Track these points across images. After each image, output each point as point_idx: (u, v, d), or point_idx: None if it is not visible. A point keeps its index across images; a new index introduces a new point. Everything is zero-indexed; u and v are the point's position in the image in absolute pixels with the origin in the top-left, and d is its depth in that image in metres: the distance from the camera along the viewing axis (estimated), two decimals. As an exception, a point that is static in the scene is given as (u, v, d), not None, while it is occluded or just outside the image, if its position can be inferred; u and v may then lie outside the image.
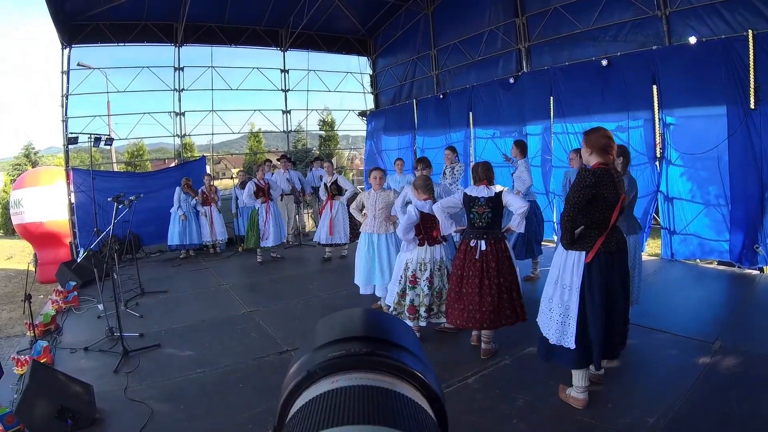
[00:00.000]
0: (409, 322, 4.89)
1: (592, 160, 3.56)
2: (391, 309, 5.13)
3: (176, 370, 4.90)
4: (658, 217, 8.18)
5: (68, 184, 11.16)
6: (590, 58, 8.93)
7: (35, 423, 3.59)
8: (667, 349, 4.71)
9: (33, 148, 29.78)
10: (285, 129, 14.84)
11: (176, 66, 12.82)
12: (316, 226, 10.30)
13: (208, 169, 12.98)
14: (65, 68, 11.24)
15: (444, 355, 4.91)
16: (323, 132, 21.98)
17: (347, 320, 0.58)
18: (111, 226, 5.90)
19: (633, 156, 7.81)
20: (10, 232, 22.06)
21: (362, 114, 15.99)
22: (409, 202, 5.26)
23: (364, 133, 16.28)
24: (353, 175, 19.69)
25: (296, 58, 14.84)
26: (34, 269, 11.81)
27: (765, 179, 6.70)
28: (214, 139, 14.42)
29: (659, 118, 7.83)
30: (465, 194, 4.68)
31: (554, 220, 9.39)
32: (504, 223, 4.80)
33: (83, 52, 11.73)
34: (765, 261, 6.85)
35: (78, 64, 11.57)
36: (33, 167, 24.70)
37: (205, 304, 7.22)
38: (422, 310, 5.00)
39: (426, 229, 5.02)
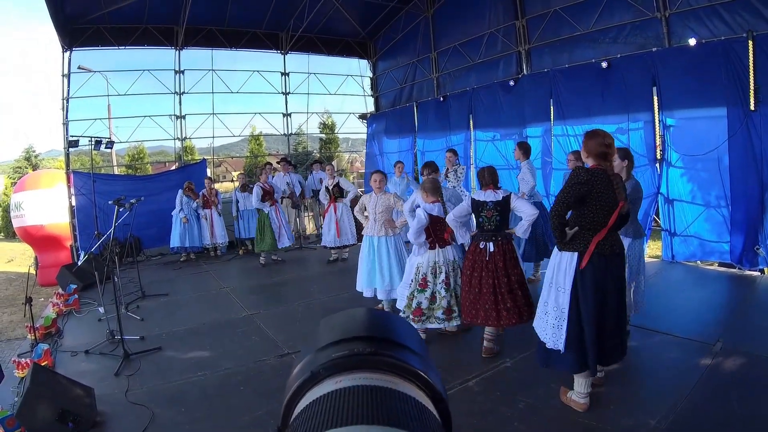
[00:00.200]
0: (414, 325, 4.86)
1: (589, 162, 3.55)
2: (401, 312, 5.13)
3: (177, 373, 4.90)
4: (659, 218, 8.18)
5: (69, 187, 11.18)
6: (590, 60, 8.95)
7: (36, 426, 3.59)
8: (668, 351, 4.71)
9: (34, 151, 29.87)
10: (285, 132, 14.85)
11: (177, 69, 12.83)
12: (317, 230, 10.30)
13: (208, 172, 12.99)
14: (66, 71, 11.27)
15: (445, 357, 4.91)
16: (324, 135, 22.00)
17: (350, 320, 0.58)
18: (112, 229, 5.89)
19: (634, 158, 7.85)
20: (10, 235, 22.08)
21: (363, 117, 16.00)
22: (418, 206, 5.27)
23: (364, 136, 16.30)
24: (354, 177, 19.69)
25: (296, 61, 14.86)
26: (34, 272, 11.81)
27: (765, 180, 6.70)
28: (215, 142, 14.46)
29: (659, 120, 7.83)
30: (473, 199, 4.77)
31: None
32: (510, 225, 4.87)
33: (84, 56, 11.75)
34: (765, 262, 6.85)
35: (79, 67, 11.59)
36: (34, 170, 24.77)
37: (205, 307, 7.22)
38: (440, 312, 4.98)
39: (436, 232, 5.02)
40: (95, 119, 12.14)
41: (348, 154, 24.00)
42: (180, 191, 10.47)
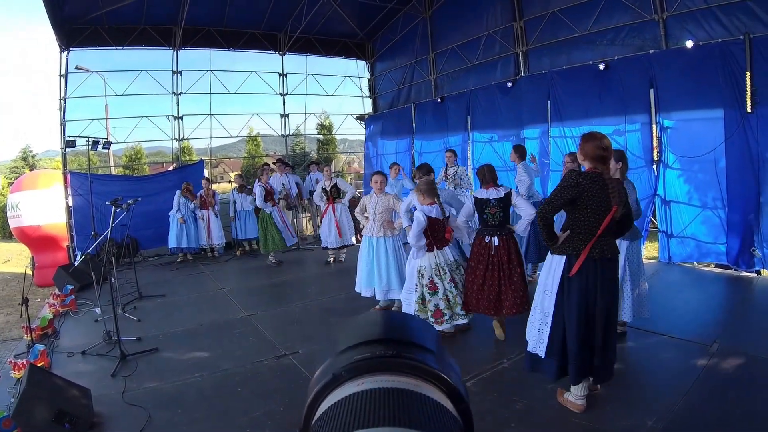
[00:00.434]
0: (437, 327, 4.95)
1: (585, 165, 3.51)
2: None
3: (174, 374, 4.89)
4: (656, 220, 8.19)
5: (66, 187, 11.15)
6: (588, 62, 8.98)
7: (33, 427, 3.58)
8: (665, 352, 4.72)
9: (31, 151, 29.80)
10: (283, 133, 14.84)
11: (175, 69, 12.81)
12: (315, 230, 10.29)
13: (206, 173, 12.98)
14: (63, 71, 11.24)
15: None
16: (321, 136, 22.00)
17: (370, 323, 0.58)
18: (109, 230, 5.89)
19: (630, 159, 7.85)
20: (7, 235, 21.98)
21: (360, 118, 16.00)
22: (414, 208, 5.30)
23: (362, 137, 16.31)
24: (351, 179, 19.70)
25: (294, 61, 14.87)
26: (31, 273, 11.77)
27: (761, 182, 6.73)
28: (213, 142, 14.41)
29: (656, 122, 7.86)
30: (476, 198, 5.00)
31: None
32: (510, 222, 5.08)
33: (82, 56, 11.72)
34: (762, 264, 6.87)
35: (76, 67, 11.56)
36: (31, 170, 24.68)
37: (203, 307, 7.20)
38: (458, 308, 5.07)
39: (434, 234, 5.05)
40: (93, 119, 12.15)
41: (346, 155, 24.02)
42: (178, 192, 10.47)
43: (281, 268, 9.54)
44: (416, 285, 5.14)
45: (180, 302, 7.57)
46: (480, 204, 4.96)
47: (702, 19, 7.65)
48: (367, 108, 16.07)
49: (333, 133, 20.37)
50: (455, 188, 8.36)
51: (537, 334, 3.70)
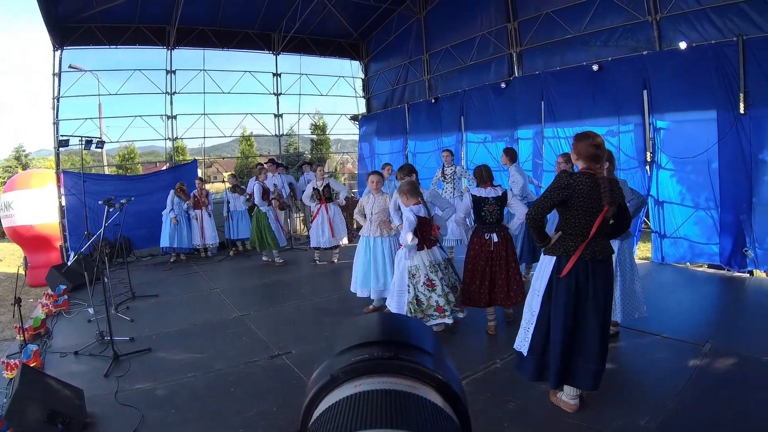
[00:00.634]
0: (438, 320, 5.09)
1: (579, 165, 3.49)
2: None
3: (167, 374, 4.87)
4: (649, 220, 8.23)
5: (59, 187, 11.10)
6: (581, 63, 9.00)
7: (26, 427, 3.56)
8: (658, 352, 4.74)
9: (24, 150, 29.62)
10: (277, 133, 14.83)
11: (168, 69, 12.77)
12: (308, 231, 10.26)
13: (199, 173, 12.94)
14: (57, 70, 11.19)
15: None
16: (315, 136, 21.98)
17: (368, 324, 0.58)
18: (102, 230, 5.86)
19: (624, 160, 7.92)
20: (-1, 235, 21.90)
21: (354, 118, 16.00)
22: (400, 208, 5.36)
23: (355, 137, 16.31)
24: (345, 179, 19.70)
25: (288, 61, 14.86)
26: (24, 272, 11.72)
27: (754, 183, 6.77)
28: (206, 142, 14.40)
29: (650, 123, 7.89)
30: (474, 196, 5.22)
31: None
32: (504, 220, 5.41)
33: (75, 55, 11.67)
34: (754, 264, 6.92)
35: (70, 66, 11.52)
36: (23, 169, 24.55)
37: (196, 308, 7.18)
38: (452, 305, 5.11)
39: (423, 232, 5.08)
40: (86, 119, 12.06)
41: (339, 156, 24.01)
42: (172, 191, 10.43)
43: (274, 268, 9.51)
44: (408, 286, 5.14)
45: (173, 302, 7.55)
46: (478, 202, 5.17)
47: (695, 21, 7.69)
48: (361, 108, 16.06)
49: (327, 133, 20.37)
50: (454, 188, 8.42)
51: (523, 333, 3.74)
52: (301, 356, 5.06)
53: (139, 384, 4.65)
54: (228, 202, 10.89)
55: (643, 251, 9.27)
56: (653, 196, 7.93)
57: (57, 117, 11.25)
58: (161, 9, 11.74)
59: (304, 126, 21.99)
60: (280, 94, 14.61)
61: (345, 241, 9.87)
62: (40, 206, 12.17)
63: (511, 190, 5.80)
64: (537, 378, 3.64)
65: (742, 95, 6.72)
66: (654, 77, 7.76)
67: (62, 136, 10.46)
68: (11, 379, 4.34)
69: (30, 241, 12.53)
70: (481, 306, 5.24)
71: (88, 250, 8.54)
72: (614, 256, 4.34)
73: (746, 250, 6.91)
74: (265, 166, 11.28)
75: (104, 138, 11.74)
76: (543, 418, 3.69)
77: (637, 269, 4.98)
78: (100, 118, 12.54)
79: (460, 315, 5.21)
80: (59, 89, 11.26)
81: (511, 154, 7.44)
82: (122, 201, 6.53)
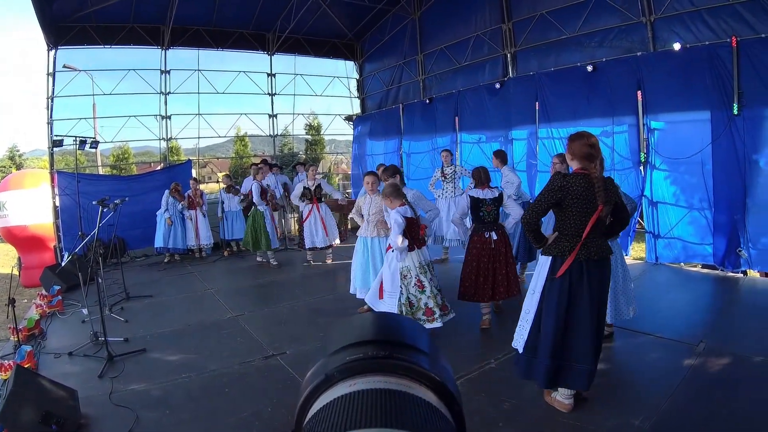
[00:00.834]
0: (428, 325, 4.98)
1: (574, 165, 3.50)
2: None
3: (162, 374, 4.86)
4: (643, 221, 8.25)
5: (53, 187, 11.05)
6: (576, 64, 9.01)
7: (20, 428, 3.54)
8: (652, 352, 4.76)
9: (17, 150, 29.52)
10: (271, 133, 14.82)
11: (163, 69, 12.74)
12: (300, 232, 10.23)
13: (194, 173, 12.91)
14: (51, 70, 11.15)
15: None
16: (309, 136, 21.97)
17: (363, 323, 0.58)
18: (96, 230, 5.84)
19: (617, 161, 7.94)
20: (-7, 235, 21.78)
21: (348, 118, 16.00)
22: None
23: (350, 138, 16.29)
24: (339, 179, 19.70)
25: (283, 62, 14.83)
26: (18, 273, 11.66)
27: (747, 184, 6.80)
28: (201, 142, 14.32)
29: (644, 123, 7.92)
30: (471, 197, 5.42)
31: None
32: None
33: (69, 54, 11.63)
34: (748, 264, 6.95)
35: (64, 66, 11.48)
36: (17, 169, 24.47)
37: (190, 308, 7.17)
38: (438, 310, 5.09)
39: (411, 233, 5.08)
40: (80, 119, 12.01)
41: (334, 156, 24.01)
42: (167, 192, 10.39)
43: (268, 269, 9.49)
44: (400, 287, 5.13)
45: (167, 303, 7.52)
46: (476, 203, 5.38)
47: (689, 22, 7.71)
48: (356, 108, 16.06)
49: (321, 133, 20.37)
50: (455, 187, 8.45)
51: (520, 331, 3.77)
52: (295, 357, 5.06)
53: (133, 385, 4.63)
54: (222, 203, 10.86)
55: (637, 252, 9.29)
56: (647, 197, 7.96)
57: (51, 117, 11.20)
58: (156, 9, 11.70)
59: (299, 126, 22.01)
60: (275, 94, 14.60)
61: (337, 241, 9.85)
62: (34, 206, 12.11)
63: (504, 191, 5.84)
64: (527, 377, 3.67)
65: (736, 96, 6.75)
66: (648, 78, 7.79)
67: (56, 136, 10.43)
68: (5, 380, 4.32)
69: (24, 241, 12.47)
70: (484, 301, 5.44)
71: (82, 251, 8.52)
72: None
73: (740, 251, 6.94)
74: (258, 165, 11.27)
75: (98, 138, 11.70)
76: (537, 418, 3.69)
77: (628, 269, 5.00)
78: (94, 118, 12.52)
79: (451, 315, 5.20)
80: (53, 89, 11.22)
81: (502, 156, 7.44)
82: (116, 201, 6.52)
